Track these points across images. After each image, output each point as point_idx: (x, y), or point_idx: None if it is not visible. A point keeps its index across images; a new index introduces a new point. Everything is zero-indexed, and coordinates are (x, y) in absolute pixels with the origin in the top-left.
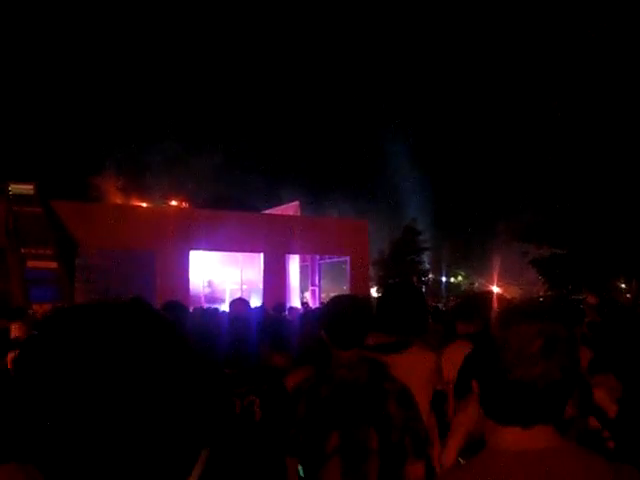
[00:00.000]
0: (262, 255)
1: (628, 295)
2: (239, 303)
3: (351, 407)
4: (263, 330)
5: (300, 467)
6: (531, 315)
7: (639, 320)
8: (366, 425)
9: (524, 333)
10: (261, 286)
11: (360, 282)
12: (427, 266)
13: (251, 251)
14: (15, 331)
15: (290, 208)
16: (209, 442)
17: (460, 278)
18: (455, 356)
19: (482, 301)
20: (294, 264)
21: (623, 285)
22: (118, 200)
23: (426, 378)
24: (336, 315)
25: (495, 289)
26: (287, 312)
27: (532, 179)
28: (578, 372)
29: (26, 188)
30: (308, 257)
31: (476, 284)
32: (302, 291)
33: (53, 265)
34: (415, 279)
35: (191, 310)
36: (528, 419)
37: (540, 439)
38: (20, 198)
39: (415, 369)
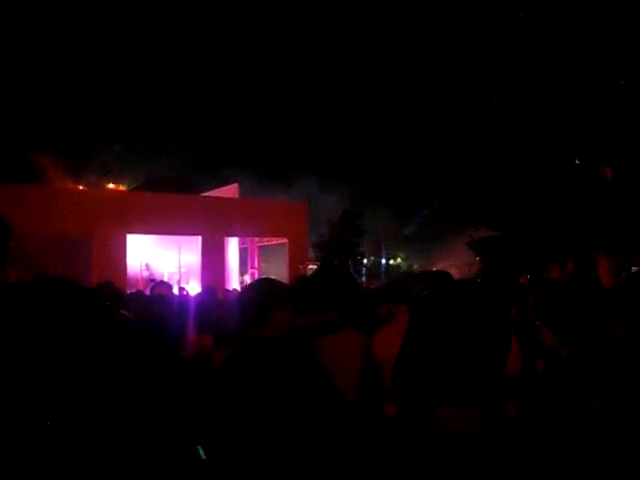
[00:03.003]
0: (200, 238)
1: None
2: (161, 286)
3: (283, 391)
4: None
5: (200, 448)
6: (458, 292)
7: (571, 295)
8: (303, 410)
9: (444, 309)
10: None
11: (299, 264)
12: (365, 248)
13: (189, 234)
14: None
15: (229, 190)
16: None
17: (399, 260)
18: (386, 338)
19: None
20: (233, 247)
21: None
22: (53, 182)
23: (357, 358)
24: (243, 297)
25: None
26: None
27: (470, 161)
28: (500, 354)
29: None
30: (247, 239)
31: (415, 266)
32: (242, 274)
33: None
34: (353, 261)
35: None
36: (452, 398)
37: (473, 422)
38: None
39: (347, 349)
